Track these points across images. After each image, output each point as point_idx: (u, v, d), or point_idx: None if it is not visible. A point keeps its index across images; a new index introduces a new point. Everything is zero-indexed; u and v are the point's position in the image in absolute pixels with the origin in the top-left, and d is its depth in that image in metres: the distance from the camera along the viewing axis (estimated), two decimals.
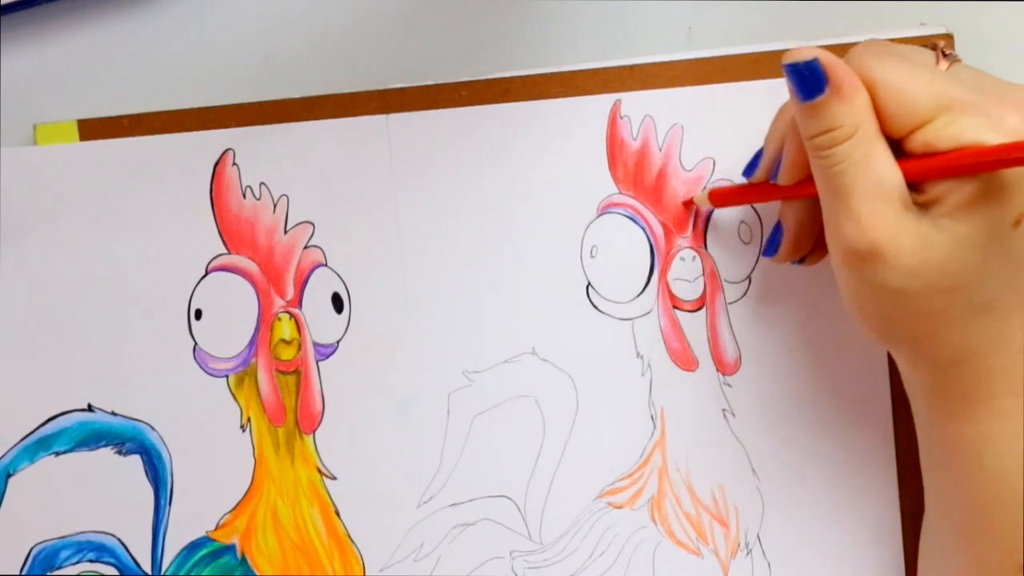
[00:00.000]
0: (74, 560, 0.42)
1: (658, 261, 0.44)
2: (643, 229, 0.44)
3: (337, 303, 0.43)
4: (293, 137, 0.43)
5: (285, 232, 0.43)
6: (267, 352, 0.43)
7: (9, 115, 0.42)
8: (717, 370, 0.44)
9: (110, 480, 0.42)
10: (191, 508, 0.42)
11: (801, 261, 0.41)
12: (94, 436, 0.42)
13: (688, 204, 0.43)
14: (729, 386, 0.44)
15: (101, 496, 0.42)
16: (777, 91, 0.43)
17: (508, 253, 0.43)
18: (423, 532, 0.43)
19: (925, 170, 0.34)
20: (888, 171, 0.34)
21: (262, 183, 0.43)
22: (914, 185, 0.34)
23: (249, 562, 0.42)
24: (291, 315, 0.43)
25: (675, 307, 0.44)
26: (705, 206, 0.43)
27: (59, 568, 0.42)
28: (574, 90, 0.44)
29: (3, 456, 0.41)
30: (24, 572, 0.41)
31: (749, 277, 0.44)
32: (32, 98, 0.43)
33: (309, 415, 0.43)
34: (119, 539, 0.42)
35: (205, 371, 0.42)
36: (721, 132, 0.44)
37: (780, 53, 0.43)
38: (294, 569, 0.43)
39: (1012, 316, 0.35)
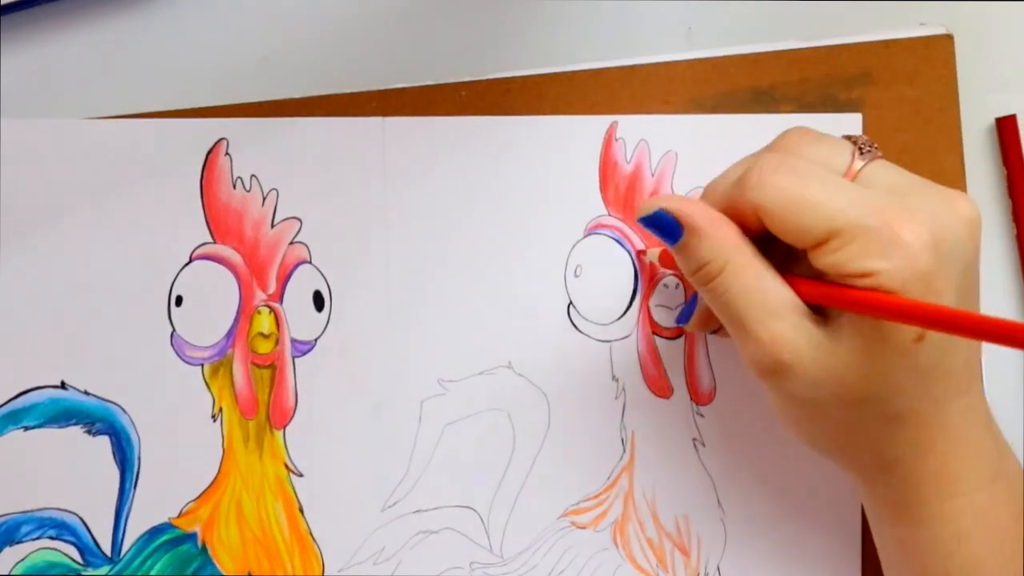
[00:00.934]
0: (34, 535, 0.42)
1: (641, 286, 0.44)
2: (629, 253, 0.44)
3: (318, 301, 0.43)
4: (288, 132, 0.43)
5: (272, 226, 0.43)
6: (244, 344, 0.43)
7: (9, 115, 0.42)
8: (691, 399, 0.44)
9: (77, 459, 0.42)
10: (156, 493, 0.42)
11: (715, 332, 0.42)
12: (64, 414, 0.42)
13: (640, 254, 0.44)
14: (702, 416, 0.44)
15: (67, 474, 0.42)
16: (772, 125, 0.44)
17: (493, 266, 0.43)
18: (385, 536, 0.43)
19: (813, 295, 0.34)
20: (774, 290, 0.34)
21: (253, 175, 0.43)
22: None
23: (209, 552, 0.42)
24: (271, 309, 0.43)
25: (655, 333, 0.44)
26: (654, 262, 0.43)
27: (18, 542, 0.42)
28: (574, 91, 0.44)
29: None
30: None
31: None
32: (32, 98, 0.43)
33: (281, 410, 0.43)
34: (81, 518, 0.42)
35: (181, 358, 0.42)
36: (716, 162, 0.43)
37: (779, 54, 0.44)
38: (253, 562, 0.43)
39: (932, 424, 0.35)
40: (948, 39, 0.44)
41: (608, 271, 0.44)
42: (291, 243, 0.43)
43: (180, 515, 0.42)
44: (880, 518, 0.38)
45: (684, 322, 0.42)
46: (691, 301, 0.41)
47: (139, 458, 0.42)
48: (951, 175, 0.44)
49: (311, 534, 0.43)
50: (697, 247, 0.35)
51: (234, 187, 0.42)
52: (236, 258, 0.42)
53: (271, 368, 0.43)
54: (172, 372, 0.42)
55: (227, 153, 0.42)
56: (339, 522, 0.43)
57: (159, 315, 0.42)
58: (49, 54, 0.43)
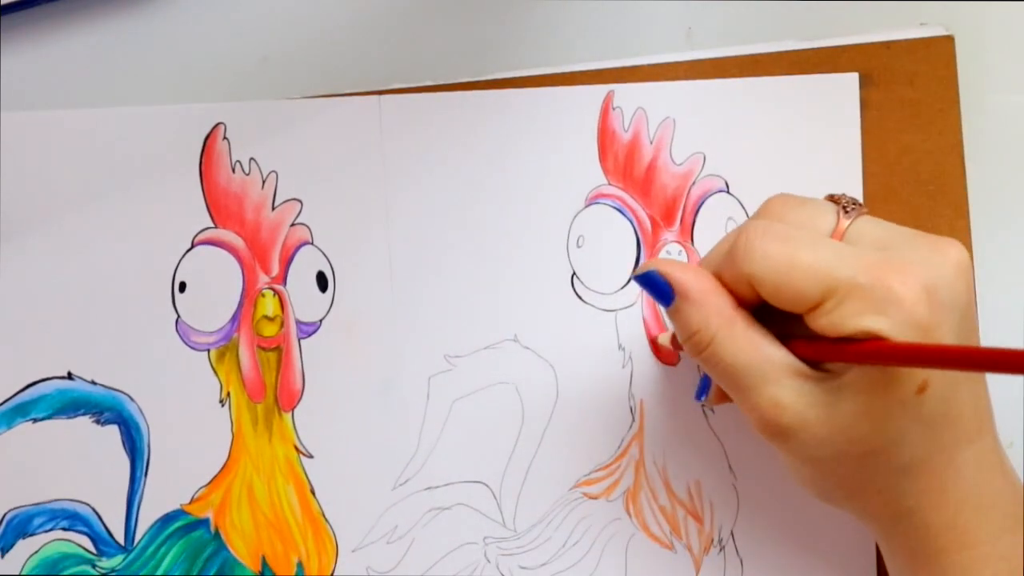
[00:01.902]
0: (47, 527, 0.42)
1: (644, 254, 0.44)
2: (630, 221, 0.44)
3: (321, 282, 0.43)
4: (285, 114, 0.43)
5: (273, 208, 0.43)
6: (249, 328, 0.43)
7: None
8: (698, 365, 0.44)
9: (87, 449, 0.42)
10: (166, 480, 0.42)
11: None
12: (72, 404, 0.42)
13: (653, 341, 0.43)
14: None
15: (77, 465, 0.42)
16: (769, 89, 0.44)
17: (495, 239, 0.43)
18: (397, 514, 0.43)
19: (814, 353, 0.34)
20: (770, 356, 0.34)
21: (252, 159, 0.43)
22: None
23: (222, 536, 0.42)
24: (275, 292, 0.43)
25: None
26: (667, 347, 0.43)
27: (32, 535, 0.42)
28: None
29: None
30: None
31: None
32: (32, 98, 0.43)
33: (289, 392, 0.43)
34: (93, 508, 0.42)
35: (187, 344, 0.42)
36: (713, 128, 0.44)
37: (780, 55, 0.44)
38: (267, 546, 0.43)
39: (944, 474, 0.34)
40: (948, 40, 0.44)
41: (610, 240, 0.44)
42: (292, 225, 0.43)
43: (192, 501, 0.42)
44: (898, 567, 0.37)
45: (702, 398, 0.40)
46: (704, 378, 0.40)
47: (148, 446, 0.42)
48: (952, 176, 0.44)
49: (323, 515, 0.43)
50: (688, 314, 0.35)
51: (233, 171, 0.42)
52: (238, 242, 0.42)
53: (277, 351, 0.43)
54: (178, 358, 0.42)
55: (225, 137, 0.42)
56: (351, 502, 0.43)
57: (163, 302, 0.42)
58: (49, 55, 0.43)
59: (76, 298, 0.42)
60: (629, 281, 0.44)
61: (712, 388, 0.40)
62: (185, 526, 0.42)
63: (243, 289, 0.42)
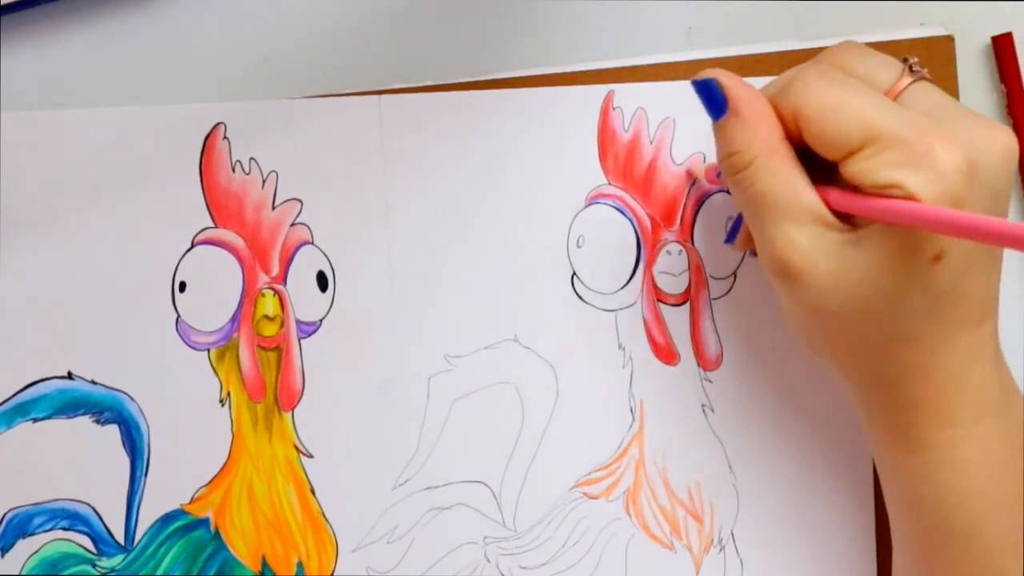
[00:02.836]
0: (47, 527, 0.42)
1: (644, 253, 0.44)
2: (631, 221, 0.44)
3: (322, 282, 0.43)
4: (285, 114, 0.43)
5: (273, 208, 0.43)
6: (249, 327, 0.43)
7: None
8: (698, 365, 0.44)
9: (87, 449, 0.42)
10: (167, 480, 0.42)
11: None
12: (72, 404, 0.42)
13: (689, 174, 0.44)
14: (710, 382, 0.44)
15: (77, 464, 0.42)
16: None
17: (495, 239, 0.43)
18: (398, 514, 0.43)
19: (843, 203, 0.34)
20: (799, 195, 0.34)
21: (252, 158, 0.43)
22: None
23: (222, 536, 0.42)
24: (275, 292, 0.43)
25: (659, 300, 0.44)
26: (701, 179, 0.43)
27: (31, 534, 0.42)
28: None
29: None
30: None
31: (735, 273, 0.44)
32: (32, 98, 0.43)
33: (289, 392, 0.43)
34: (93, 508, 0.42)
35: (187, 344, 0.42)
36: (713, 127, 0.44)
37: (780, 54, 0.44)
38: (267, 545, 0.43)
39: (936, 350, 0.35)
40: (948, 40, 0.44)
41: (610, 240, 0.44)
42: (292, 225, 0.43)
43: (192, 501, 0.42)
44: (879, 442, 0.38)
45: (731, 241, 0.41)
46: (737, 219, 0.41)
47: (148, 446, 0.42)
48: None
49: (323, 515, 0.43)
50: (733, 132, 0.35)
51: (233, 171, 0.42)
52: (238, 242, 0.42)
53: (277, 350, 0.43)
54: (178, 358, 0.42)
55: (225, 137, 0.42)
56: (351, 502, 0.43)
57: (163, 302, 0.42)
58: (49, 55, 0.43)
59: (76, 298, 0.42)
60: (631, 278, 0.44)
61: (741, 231, 0.40)
62: (185, 526, 0.42)
63: (243, 289, 0.42)
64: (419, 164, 0.43)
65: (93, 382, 0.42)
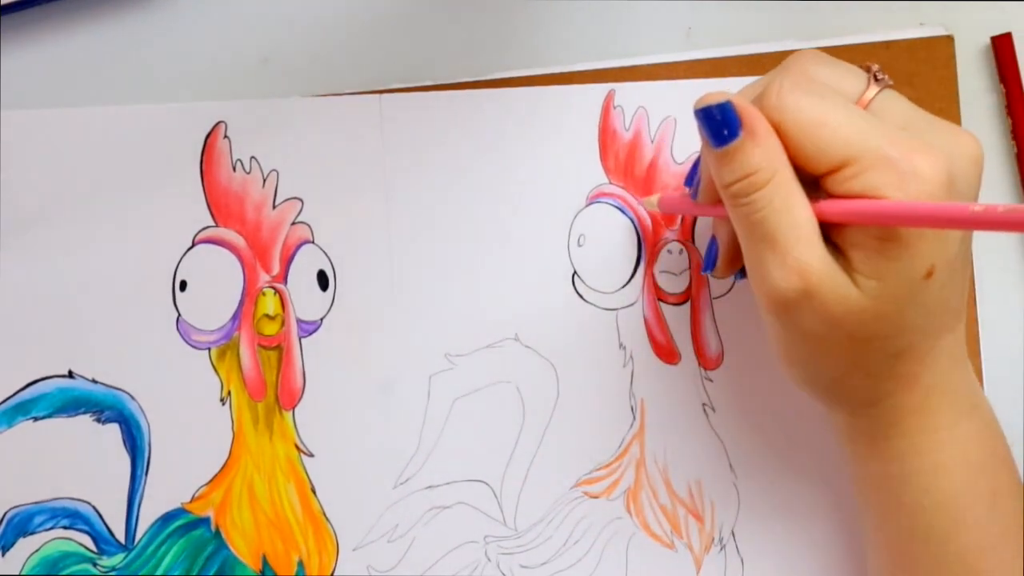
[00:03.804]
0: (48, 526, 0.42)
1: (645, 253, 0.44)
2: (631, 220, 0.44)
3: (322, 280, 0.43)
4: (286, 113, 0.43)
5: (273, 207, 0.43)
6: (250, 326, 0.43)
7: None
8: (699, 364, 0.44)
9: (87, 448, 0.42)
10: (167, 479, 0.42)
11: (743, 275, 0.40)
12: (73, 403, 0.42)
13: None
14: (710, 380, 0.44)
15: (78, 463, 0.42)
16: None
17: (495, 238, 0.43)
18: (398, 513, 0.43)
19: (837, 214, 0.33)
20: (807, 214, 0.33)
21: (253, 157, 0.43)
22: (827, 238, 0.33)
23: (223, 535, 0.42)
24: (276, 290, 0.43)
25: (660, 299, 0.44)
26: (653, 210, 0.43)
27: (32, 533, 0.41)
28: None
29: None
30: None
31: (736, 273, 0.44)
32: (32, 98, 0.43)
33: (289, 391, 0.43)
34: (94, 507, 0.42)
35: (187, 343, 0.42)
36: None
37: (780, 54, 0.44)
38: (268, 544, 0.42)
39: (926, 358, 0.35)
40: (948, 40, 0.44)
41: (611, 239, 0.44)
42: (293, 223, 0.43)
43: (193, 500, 0.42)
44: (857, 455, 0.38)
45: (709, 270, 0.40)
46: (710, 246, 0.39)
47: (149, 444, 0.42)
48: None
49: (324, 514, 0.43)
50: (750, 153, 0.33)
51: (234, 169, 0.42)
52: (239, 241, 0.42)
53: (278, 349, 0.43)
54: (179, 357, 0.42)
55: (226, 136, 0.42)
56: (352, 501, 0.43)
57: (164, 301, 0.42)
58: (49, 55, 0.43)
59: (77, 297, 0.42)
60: (632, 277, 0.44)
61: (720, 258, 0.39)
62: (186, 525, 0.42)
63: (244, 288, 0.42)
64: (420, 163, 0.43)
65: (94, 381, 0.42)
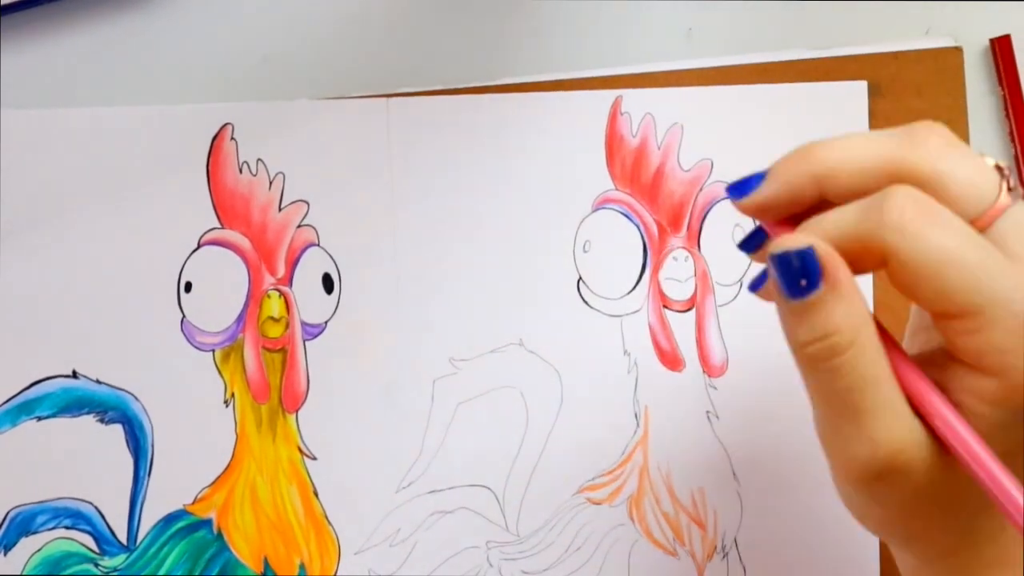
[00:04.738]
0: (50, 525, 0.42)
1: (650, 259, 0.44)
2: (637, 226, 0.44)
3: (327, 283, 0.43)
4: (293, 115, 0.43)
5: (279, 210, 0.43)
6: (255, 328, 0.42)
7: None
8: (703, 372, 0.44)
9: (90, 448, 0.42)
10: (170, 480, 0.42)
11: (753, 288, 0.34)
12: (77, 403, 0.42)
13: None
14: (715, 388, 0.44)
15: (81, 463, 0.42)
16: (777, 96, 0.44)
17: (501, 243, 0.43)
18: (401, 517, 0.43)
19: (920, 400, 0.29)
20: (890, 379, 0.28)
21: (259, 159, 0.43)
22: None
23: (225, 537, 0.42)
24: (281, 293, 0.43)
25: (665, 306, 0.44)
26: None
27: (34, 532, 0.41)
28: None
29: None
30: None
31: (741, 280, 0.44)
32: (32, 98, 0.43)
33: (293, 394, 0.43)
34: (96, 507, 0.42)
35: (192, 344, 0.42)
36: (721, 134, 0.44)
37: (787, 64, 0.44)
38: (269, 547, 0.42)
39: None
40: (957, 51, 0.44)
41: (617, 245, 0.44)
42: (299, 226, 0.43)
43: (195, 501, 0.42)
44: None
45: (756, 289, 0.33)
46: (761, 276, 0.33)
47: (152, 445, 0.42)
48: None
49: (326, 517, 0.43)
50: (832, 309, 0.28)
51: (240, 172, 0.42)
52: (244, 243, 0.42)
53: (282, 352, 0.43)
54: (183, 358, 0.42)
55: (232, 138, 0.42)
56: (354, 504, 0.43)
57: (169, 302, 0.42)
58: (49, 55, 0.43)
59: (82, 297, 0.42)
60: (637, 283, 0.44)
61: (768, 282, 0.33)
62: (188, 526, 0.42)
63: (249, 290, 0.42)
64: (426, 167, 0.43)
65: (98, 381, 0.42)
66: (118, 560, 0.42)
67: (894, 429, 0.28)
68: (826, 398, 0.29)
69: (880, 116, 0.44)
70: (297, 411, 0.43)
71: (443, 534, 0.43)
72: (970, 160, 0.29)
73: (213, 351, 0.42)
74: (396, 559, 0.43)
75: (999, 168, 0.29)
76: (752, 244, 0.32)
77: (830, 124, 0.44)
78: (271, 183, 0.43)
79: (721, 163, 0.44)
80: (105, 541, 0.42)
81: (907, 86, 0.44)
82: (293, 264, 0.43)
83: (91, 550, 0.42)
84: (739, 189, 0.32)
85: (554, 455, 0.43)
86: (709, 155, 0.44)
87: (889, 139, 0.29)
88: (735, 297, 0.44)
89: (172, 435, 0.42)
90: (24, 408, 0.42)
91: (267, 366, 0.43)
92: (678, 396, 0.44)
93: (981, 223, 0.28)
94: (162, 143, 0.42)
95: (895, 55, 0.44)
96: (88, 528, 0.42)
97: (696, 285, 0.44)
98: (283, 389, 0.43)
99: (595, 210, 0.44)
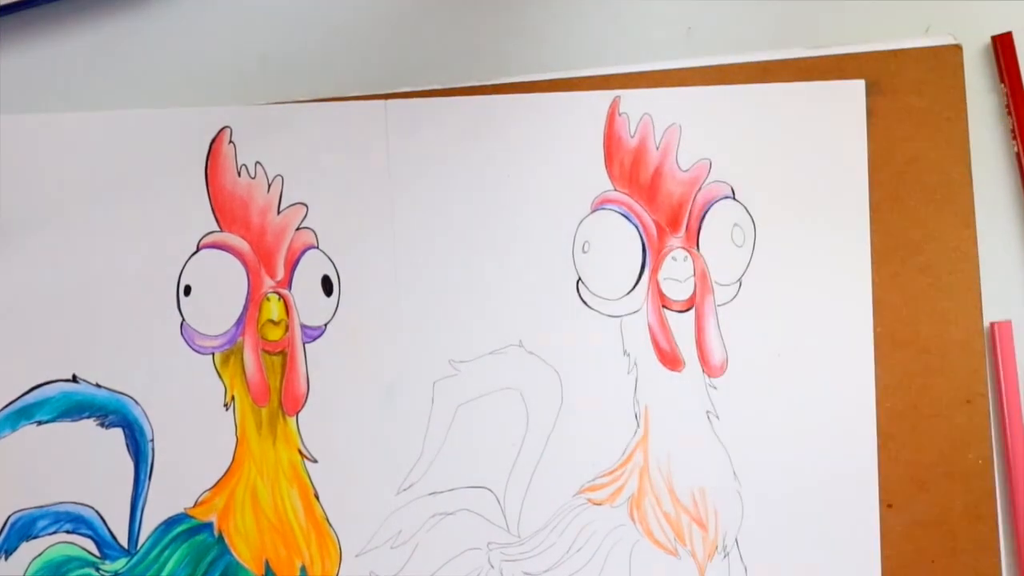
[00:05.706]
0: (51, 530, 0.42)
1: (650, 260, 0.44)
2: (636, 227, 0.44)
3: (327, 286, 0.43)
4: (291, 118, 0.43)
5: (278, 212, 0.43)
6: (254, 331, 0.42)
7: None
8: (703, 371, 0.44)
9: (91, 452, 0.42)
10: (170, 484, 0.42)
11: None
12: (77, 407, 0.42)
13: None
14: (714, 388, 0.44)
15: (81, 468, 0.42)
16: (775, 95, 0.44)
17: (500, 245, 0.43)
18: (401, 519, 0.43)
19: None
20: None
21: (257, 162, 0.43)
22: None
23: (226, 540, 0.42)
24: (280, 296, 0.43)
25: (664, 306, 0.44)
26: None
27: (35, 537, 0.42)
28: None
29: None
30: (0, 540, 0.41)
31: (740, 280, 0.44)
32: (32, 98, 0.43)
33: (293, 396, 0.43)
34: (97, 511, 0.42)
35: (191, 347, 0.42)
36: (719, 134, 0.44)
37: (787, 62, 0.44)
38: (270, 550, 0.42)
39: None
40: (956, 49, 0.44)
41: (616, 246, 0.44)
42: (298, 229, 0.43)
43: (196, 505, 0.42)
44: None
45: None
46: None
47: (153, 449, 0.42)
48: (959, 185, 0.44)
49: (327, 520, 0.43)
50: None
51: (239, 175, 0.42)
52: (243, 246, 0.42)
53: (282, 355, 0.43)
54: (183, 362, 0.42)
55: (231, 141, 0.42)
56: (355, 507, 0.43)
57: (168, 305, 0.42)
58: (48, 55, 0.43)
59: (81, 301, 0.42)
60: (636, 284, 0.44)
61: None
62: (189, 530, 0.42)
63: (248, 293, 0.42)
64: (425, 168, 0.43)
65: (98, 385, 0.42)
66: (119, 564, 0.42)
67: None
68: None
69: (879, 114, 0.44)
70: (297, 414, 0.43)
71: (444, 536, 0.43)
72: None
73: (213, 354, 0.42)
74: (397, 561, 0.43)
75: None
76: None
77: (828, 123, 0.44)
78: (270, 186, 0.43)
79: (720, 163, 0.44)
80: (106, 545, 0.42)
81: (906, 84, 0.44)
82: (292, 267, 0.43)
83: (92, 554, 0.42)
84: None
85: (554, 456, 0.43)
86: (708, 155, 0.44)
87: None
88: (734, 297, 0.44)
89: (172, 439, 0.42)
90: (24, 413, 0.42)
91: (267, 369, 0.43)
92: (678, 396, 0.44)
93: None
94: (160, 147, 0.42)
95: (894, 53, 0.44)
96: (89, 532, 0.42)
97: (695, 285, 0.44)
98: (283, 392, 0.43)
99: (594, 211, 0.44)
